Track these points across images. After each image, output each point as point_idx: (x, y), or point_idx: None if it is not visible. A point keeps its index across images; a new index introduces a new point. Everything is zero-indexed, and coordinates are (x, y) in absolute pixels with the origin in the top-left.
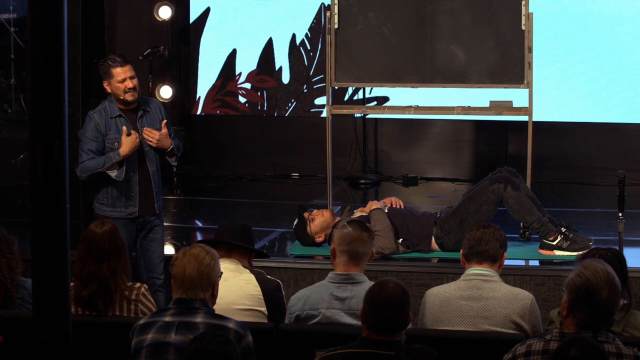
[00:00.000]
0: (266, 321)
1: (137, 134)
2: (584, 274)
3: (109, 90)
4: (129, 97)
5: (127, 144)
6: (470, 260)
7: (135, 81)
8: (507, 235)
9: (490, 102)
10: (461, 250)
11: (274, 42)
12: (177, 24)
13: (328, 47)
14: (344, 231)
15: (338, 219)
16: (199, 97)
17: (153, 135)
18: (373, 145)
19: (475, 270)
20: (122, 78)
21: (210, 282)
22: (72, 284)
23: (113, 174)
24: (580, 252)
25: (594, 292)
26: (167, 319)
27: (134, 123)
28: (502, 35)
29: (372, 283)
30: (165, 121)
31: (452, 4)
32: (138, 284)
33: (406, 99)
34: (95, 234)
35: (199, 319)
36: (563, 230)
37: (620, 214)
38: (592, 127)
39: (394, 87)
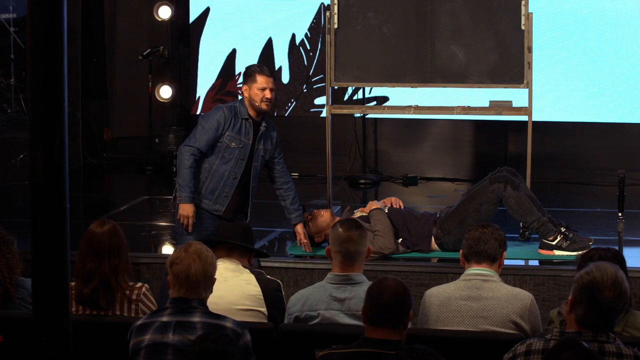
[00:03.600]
0: (266, 321)
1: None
2: (593, 272)
3: (246, 95)
4: (263, 105)
5: (186, 210)
6: (470, 260)
7: (273, 94)
8: (507, 235)
9: (490, 102)
10: (461, 250)
11: (273, 42)
12: (177, 24)
13: (328, 47)
14: (334, 232)
15: (338, 219)
16: (199, 97)
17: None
18: (373, 145)
19: (474, 270)
20: (263, 86)
21: (212, 280)
22: (73, 283)
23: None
24: (580, 252)
25: (597, 290)
26: (165, 318)
27: (255, 135)
28: (502, 35)
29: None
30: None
31: (452, 4)
32: (139, 284)
33: (406, 99)
34: (95, 233)
35: (196, 318)
36: (563, 230)
37: (620, 214)
38: (592, 127)
39: (394, 87)
